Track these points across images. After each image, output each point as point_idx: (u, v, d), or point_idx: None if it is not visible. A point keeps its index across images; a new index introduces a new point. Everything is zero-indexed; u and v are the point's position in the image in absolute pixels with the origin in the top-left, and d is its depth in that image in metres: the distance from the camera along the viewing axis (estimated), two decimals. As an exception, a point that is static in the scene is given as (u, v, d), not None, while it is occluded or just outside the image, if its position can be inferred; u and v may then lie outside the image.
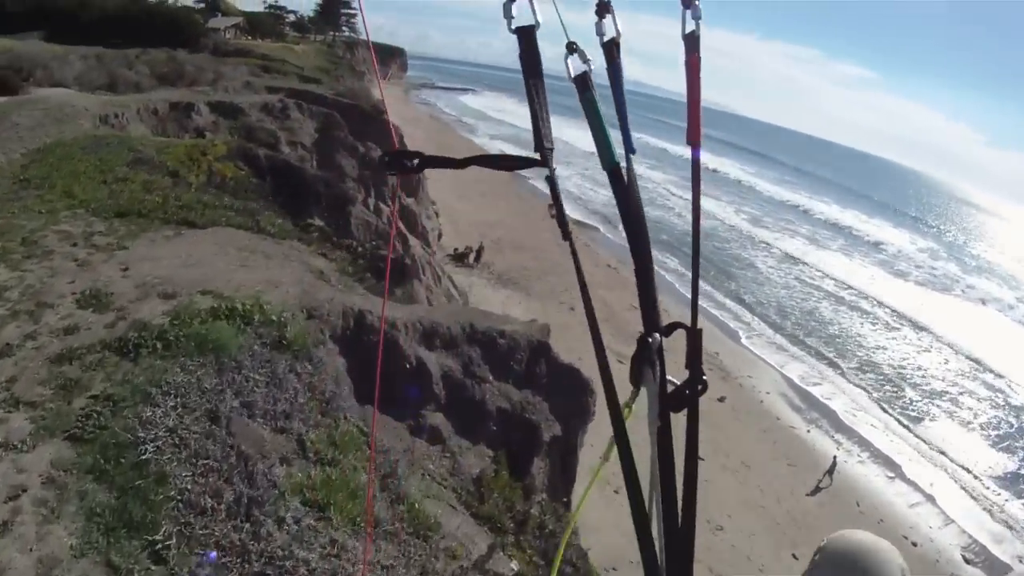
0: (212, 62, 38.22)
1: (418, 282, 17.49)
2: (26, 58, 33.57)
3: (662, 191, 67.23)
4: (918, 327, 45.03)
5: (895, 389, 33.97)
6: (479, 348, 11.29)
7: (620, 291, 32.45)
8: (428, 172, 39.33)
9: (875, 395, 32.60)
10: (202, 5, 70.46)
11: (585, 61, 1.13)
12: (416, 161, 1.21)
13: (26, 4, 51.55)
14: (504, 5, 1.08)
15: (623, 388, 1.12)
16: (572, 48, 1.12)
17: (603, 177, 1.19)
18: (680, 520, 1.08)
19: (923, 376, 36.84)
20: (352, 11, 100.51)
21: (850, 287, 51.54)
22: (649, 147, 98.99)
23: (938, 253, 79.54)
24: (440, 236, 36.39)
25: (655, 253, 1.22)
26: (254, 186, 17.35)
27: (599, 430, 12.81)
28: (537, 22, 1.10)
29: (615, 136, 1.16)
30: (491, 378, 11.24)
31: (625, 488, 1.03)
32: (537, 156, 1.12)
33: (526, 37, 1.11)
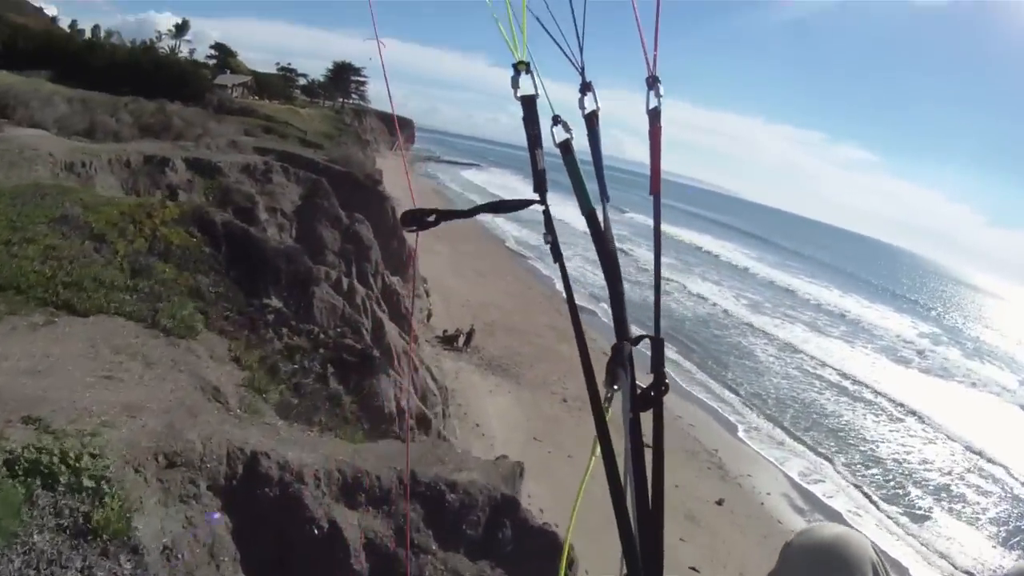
0: (203, 117, 36.71)
1: (385, 377, 14.67)
2: (10, 95, 32.02)
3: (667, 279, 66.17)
4: (921, 418, 43.37)
5: (898, 486, 32.20)
6: (421, 506, 8.44)
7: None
8: (422, 247, 37.16)
9: (878, 493, 30.73)
10: (213, 61, 70.33)
11: (568, 131, 1.34)
12: (433, 216, 1.40)
13: (36, 42, 51.65)
14: (512, 78, 1.29)
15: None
16: (557, 120, 1.34)
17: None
18: (651, 503, 1.23)
19: (927, 470, 35.22)
20: (363, 79, 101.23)
21: (851, 377, 49.75)
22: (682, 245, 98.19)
23: (939, 338, 77.66)
24: (429, 316, 33.86)
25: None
26: (204, 257, 14.81)
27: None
28: (537, 93, 1.32)
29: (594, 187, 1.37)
30: (435, 547, 8.35)
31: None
32: (536, 196, 1.35)
33: (528, 105, 1.32)
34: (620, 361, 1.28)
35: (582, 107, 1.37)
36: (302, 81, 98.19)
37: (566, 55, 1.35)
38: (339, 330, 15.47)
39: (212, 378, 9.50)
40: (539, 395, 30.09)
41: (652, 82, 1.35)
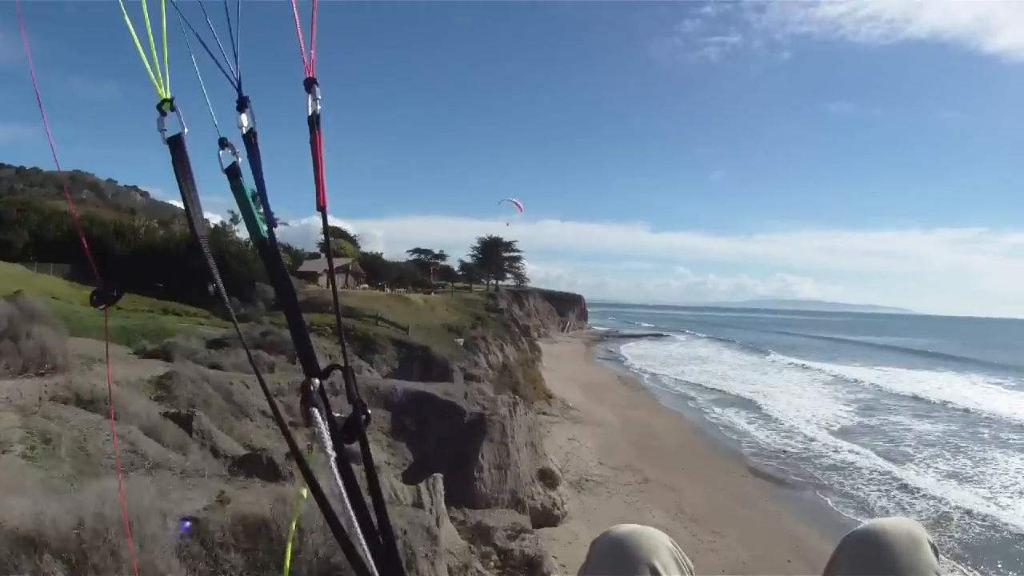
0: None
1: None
2: None
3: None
4: None
5: None
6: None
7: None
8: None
9: None
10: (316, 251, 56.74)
11: (235, 154, 1.22)
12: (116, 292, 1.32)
13: (63, 233, 41.35)
14: (157, 120, 1.17)
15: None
16: (224, 144, 1.22)
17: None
18: (381, 537, 1.17)
19: None
20: (516, 253, 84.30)
21: None
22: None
23: None
24: None
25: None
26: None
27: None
28: (185, 130, 1.20)
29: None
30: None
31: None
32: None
33: (176, 145, 1.20)
34: (312, 400, 1.18)
35: (239, 126, 1.24)
36: (444, 264, 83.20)
37: (222, 69, 1.21)
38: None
39: None
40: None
41: (309, 85, 1.24)
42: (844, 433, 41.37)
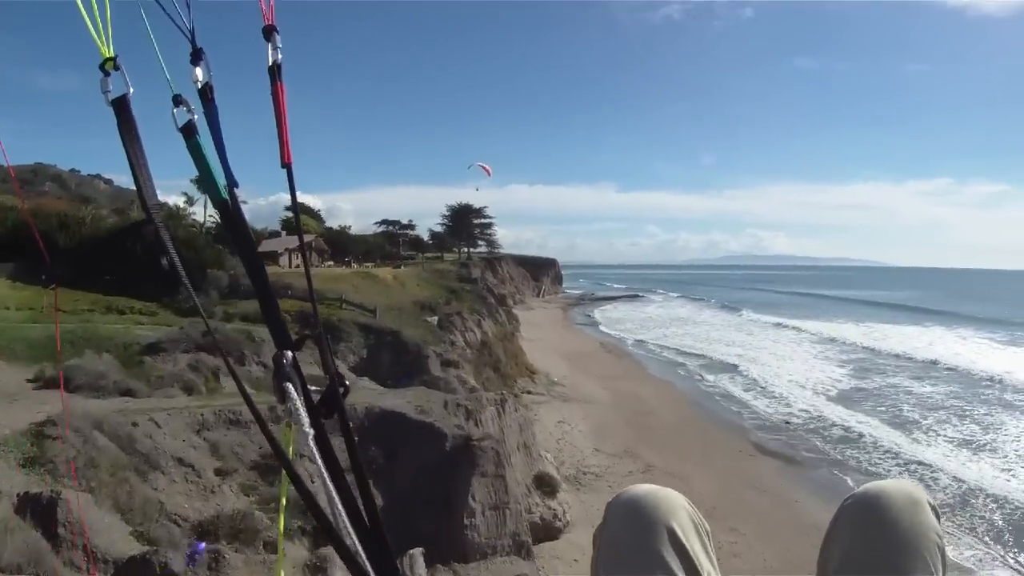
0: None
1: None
2: None
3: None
4: None
5: None
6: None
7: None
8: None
9: None
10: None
11: (190, 111, 1.13)
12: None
13: (3, 228, 37.22)
14: (101, 81, 1.07)
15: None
16: (178, 101, 1.13)
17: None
18: (366, 516, 1.08)
19: None
20: (488, 219, 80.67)
21: None
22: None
23: None
24: None
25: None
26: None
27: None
28: (130, 89, 1.10)
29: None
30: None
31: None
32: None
33: (122, 107, 1.11)
34: (285, 373, 1.10)
35: (194, 80, 1.16)
36: (413, 234, 78.96)
37: (172, 19, 1.09)
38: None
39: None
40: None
41: (268, 32, 1.16)
42: (844, 399, 39.67)
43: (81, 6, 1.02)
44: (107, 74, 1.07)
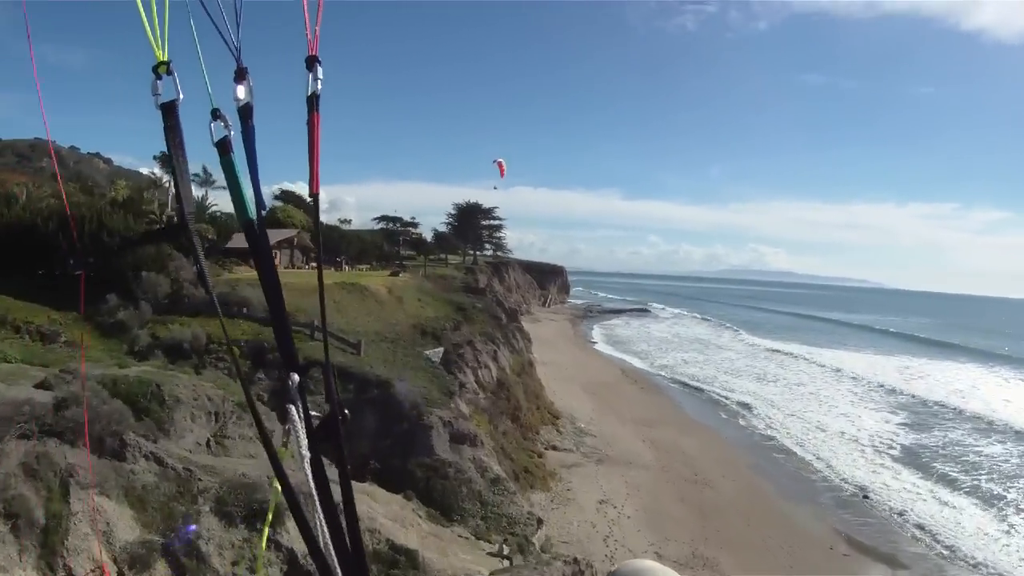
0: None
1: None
2: None
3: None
4: None
5: None
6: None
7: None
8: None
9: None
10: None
11: (227, 127, 1.14)
12: None
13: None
14: (152, 83, 1.09)
15: None
16: (216, 115, 1.15)
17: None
18: (349, 542, 1.12)
19: None
20: (497, 220, 74.44)
21: None
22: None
23: None
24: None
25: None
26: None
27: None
28: (180, 95, 1.13)
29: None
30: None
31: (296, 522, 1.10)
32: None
33: (170, 112, 1.13)
34: (290, 396, 1.18)
35: (235, 99, 1.16)
36: (415, 233, 72.29)
37: (221, 35, 1.10)
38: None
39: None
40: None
41: (311, 63, 1.16)
42: (911, 460, 34.54)
43: (141, 8, 1.00)
44: (159, 77, 1.06)
